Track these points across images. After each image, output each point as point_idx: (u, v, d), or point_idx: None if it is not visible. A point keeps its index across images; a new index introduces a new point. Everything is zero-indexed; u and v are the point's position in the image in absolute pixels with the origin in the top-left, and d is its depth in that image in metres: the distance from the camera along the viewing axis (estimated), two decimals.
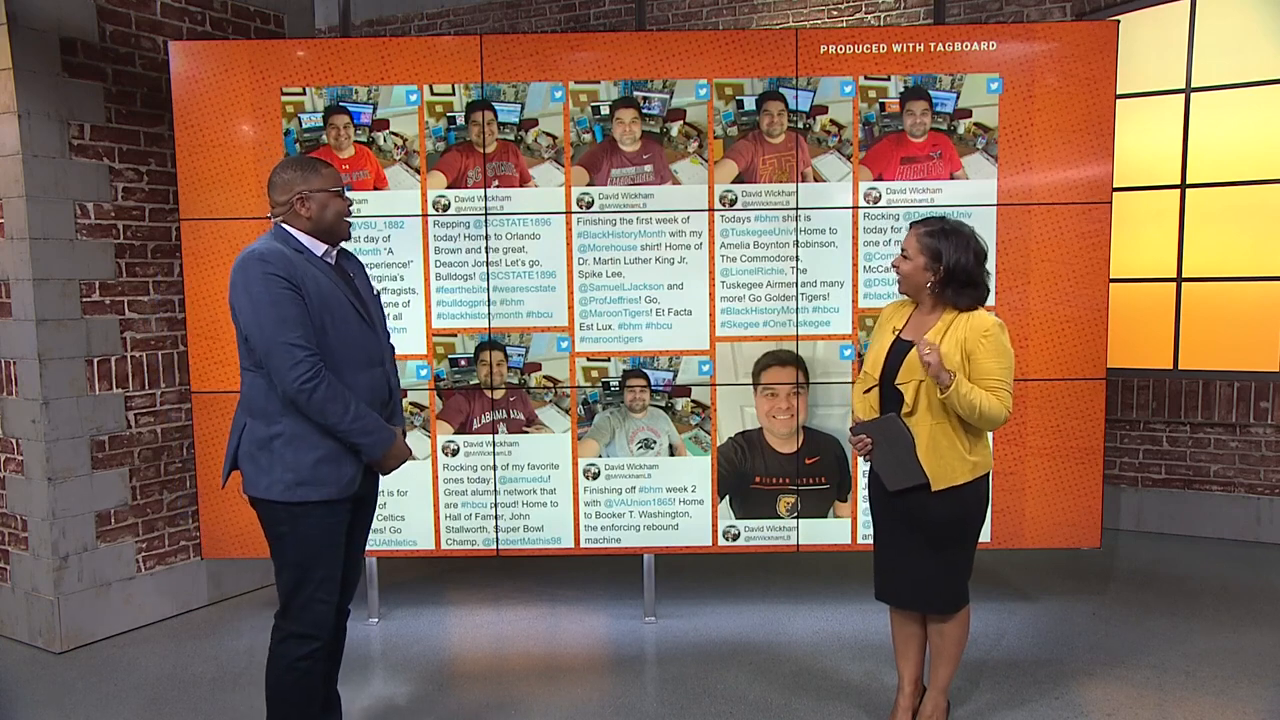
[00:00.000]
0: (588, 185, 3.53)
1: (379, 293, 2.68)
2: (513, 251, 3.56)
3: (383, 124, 3.52)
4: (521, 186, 3.54)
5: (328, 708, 2.68)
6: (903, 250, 2.59)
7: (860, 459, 3.38)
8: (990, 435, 2.68)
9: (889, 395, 2.58)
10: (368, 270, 2.59)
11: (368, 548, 3.61)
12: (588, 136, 3.52)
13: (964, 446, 2.51)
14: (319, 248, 2.41)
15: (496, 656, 3.46)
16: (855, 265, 3.54)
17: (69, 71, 3.44)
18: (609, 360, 3.59)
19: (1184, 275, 4.77)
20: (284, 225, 2.39)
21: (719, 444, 3.61)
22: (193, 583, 3.93)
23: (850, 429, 2.68)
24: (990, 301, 3.45)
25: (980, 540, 3.55)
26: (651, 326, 3.57)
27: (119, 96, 3.60)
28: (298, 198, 2.37)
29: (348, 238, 2.50)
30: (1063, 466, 3.58)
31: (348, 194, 2.52)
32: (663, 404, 3.60)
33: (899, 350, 2.58)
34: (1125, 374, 4.81)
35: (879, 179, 3.52)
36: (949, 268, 2.50)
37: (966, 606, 2.66)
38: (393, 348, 2.62)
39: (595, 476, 3.63)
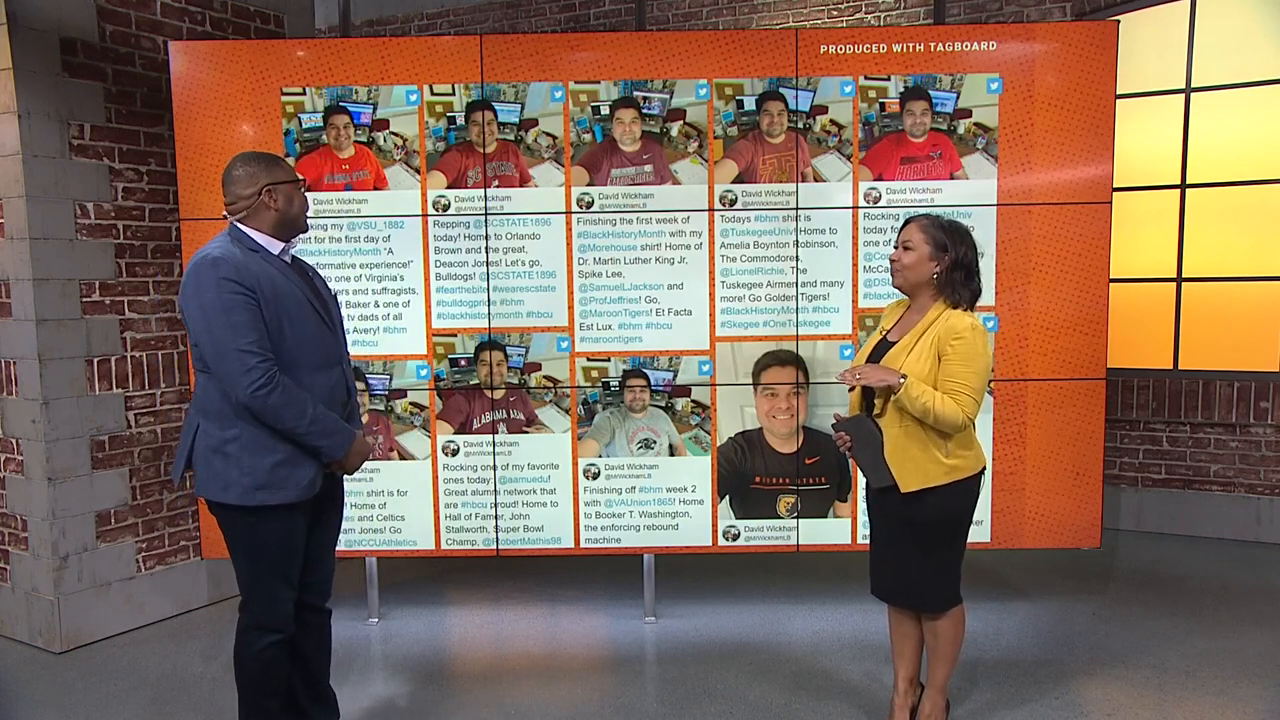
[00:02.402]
0: (588, 185, 3.53)
1: (337, 294, 2.66)
2: (513, 251, 3.56)
3: (383, 124, 3.52)
4: (521, 186, 3.54)
5: (324, 706, 2.68)
6: (903, 243, 2.56)
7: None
8: (982, 436, 2.67)
9: (868, 395, 2.60)
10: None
11: (369, 547, 3.66)
12: (588, 136, 3.52)
13: (940, 449, 2.49)
14: (275, 246, 2.37)
15: (496, 656, 3.46)
16: (855, 265, 3.54)
17: (69, 71, 3.44)
18: (609, 360, 3.58)
19: (1184, 275, 4.77)
20: (240, 225, 2.35)
21: (719, 444, 3.61)
22: (193, 583, 3.93)
23: (832, 425, 2.69)
24: (990, 301, 3.47)
25: (980, 540, 3.59)
26: (651, 326, 3.57)
27: (119, 96, 3.60)
28: (266, 190, 2.34)
29: (306, 230, 2.48)
30: (1063, 466, 3.58)
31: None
32: (663, 404, 3.60)
33: (881, 351, 2.60)
34: (1125, 374, 4.81)
35: (879, 179, 3.52)
36: (956, 259, 2.50)
37: (960, 605, 2.65)
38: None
39: (595, 476, 3.63)
